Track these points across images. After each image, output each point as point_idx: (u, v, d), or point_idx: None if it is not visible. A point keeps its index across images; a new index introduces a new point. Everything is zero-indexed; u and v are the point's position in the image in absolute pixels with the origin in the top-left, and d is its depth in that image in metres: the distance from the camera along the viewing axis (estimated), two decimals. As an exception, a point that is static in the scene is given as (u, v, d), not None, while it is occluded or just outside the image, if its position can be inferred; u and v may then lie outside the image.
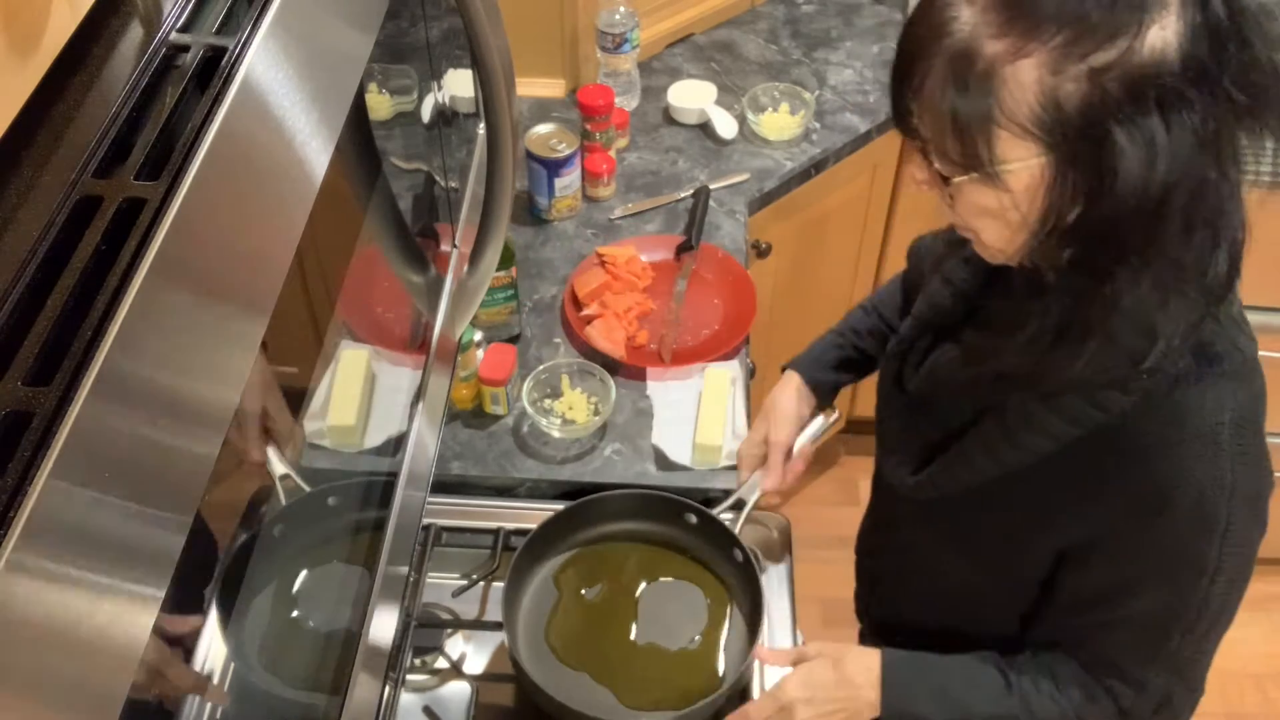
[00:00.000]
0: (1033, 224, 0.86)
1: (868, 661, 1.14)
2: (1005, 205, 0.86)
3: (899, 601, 1.34)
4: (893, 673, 1.13)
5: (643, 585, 1.37)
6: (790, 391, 1.37)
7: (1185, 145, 0.79)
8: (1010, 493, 1.05)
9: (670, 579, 1.38)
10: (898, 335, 1.18)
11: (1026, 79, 0.80)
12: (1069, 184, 0.82)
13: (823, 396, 1.39)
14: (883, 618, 1.40)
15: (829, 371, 1.39)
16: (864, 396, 2.39)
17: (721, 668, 1.30)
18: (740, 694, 1.29)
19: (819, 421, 1.38)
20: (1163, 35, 0.78)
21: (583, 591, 1.36)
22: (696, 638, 1.32)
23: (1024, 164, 0.83)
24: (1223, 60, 0.79)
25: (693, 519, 1.38)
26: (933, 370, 1.09)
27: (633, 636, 1.32)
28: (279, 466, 0.63)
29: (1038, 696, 1.08)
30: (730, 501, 1.38)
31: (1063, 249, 0.87)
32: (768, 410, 1.38)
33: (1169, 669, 1.05)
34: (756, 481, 1.37)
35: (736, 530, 1.34)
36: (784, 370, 1.41)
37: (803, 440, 1.37)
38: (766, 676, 1.32)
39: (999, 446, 1.02)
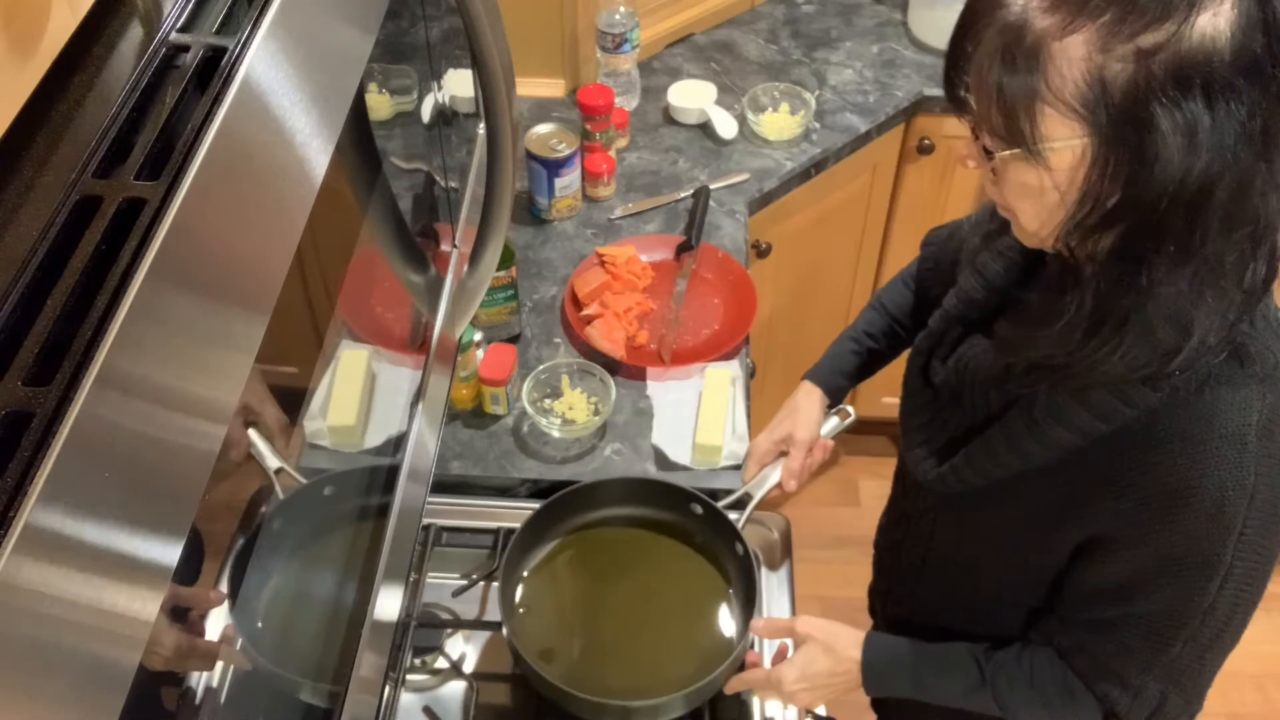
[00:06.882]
0: (1071, 205, 0.86)
1: (855, 639, 1.21)
2: (1046, 185, 0.86)
3: (916, 596, 1.34)
4: (872, 666, 1.20)
5: (641, 570, 1.39)
6: (814, 399, 1.42)
7: (1229, 136, 0.79)
8: (1033, 486, 1.04)
9: (669, 564, 1.40)
10: (925, 329, 1.18)
11: (1074, 55, 0.80)
12: (1110, 166, 0.82)
13: (835, 399, 1.45)
14: (898, 614, 1.39)
15: (844, 379, 1.44)
16: (866, 397, 2.39)
17: (719, 646, 1.32)
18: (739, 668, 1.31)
19: (834, 421, 1.43)
20: (1214, 23, 0.78)
21: (579, 575, 1.38)
22: (690, 618, 1.35)
23: (1066, 143, 0.83)
24: (1277, 56, 0.79)
25: (698, 509, 1.39)
26: (962, 362, 1.08)
27: (630, 620, 1.34)
28: (273, 462, 0.62)
29: (1010, 693, 1.12)
30: (737, 495, 1.41)
31: (1101, 237, 0.87)
32: (792, 410, 1.42)
33: (1167, 676, 1.04)
34: (767, 477, 1.41)
35: (740, 525, 1.36)
36: (803, 380, 1.45)
37: (824, 430, 1.42)
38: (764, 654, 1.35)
39: (1024, 440, 1.02)
